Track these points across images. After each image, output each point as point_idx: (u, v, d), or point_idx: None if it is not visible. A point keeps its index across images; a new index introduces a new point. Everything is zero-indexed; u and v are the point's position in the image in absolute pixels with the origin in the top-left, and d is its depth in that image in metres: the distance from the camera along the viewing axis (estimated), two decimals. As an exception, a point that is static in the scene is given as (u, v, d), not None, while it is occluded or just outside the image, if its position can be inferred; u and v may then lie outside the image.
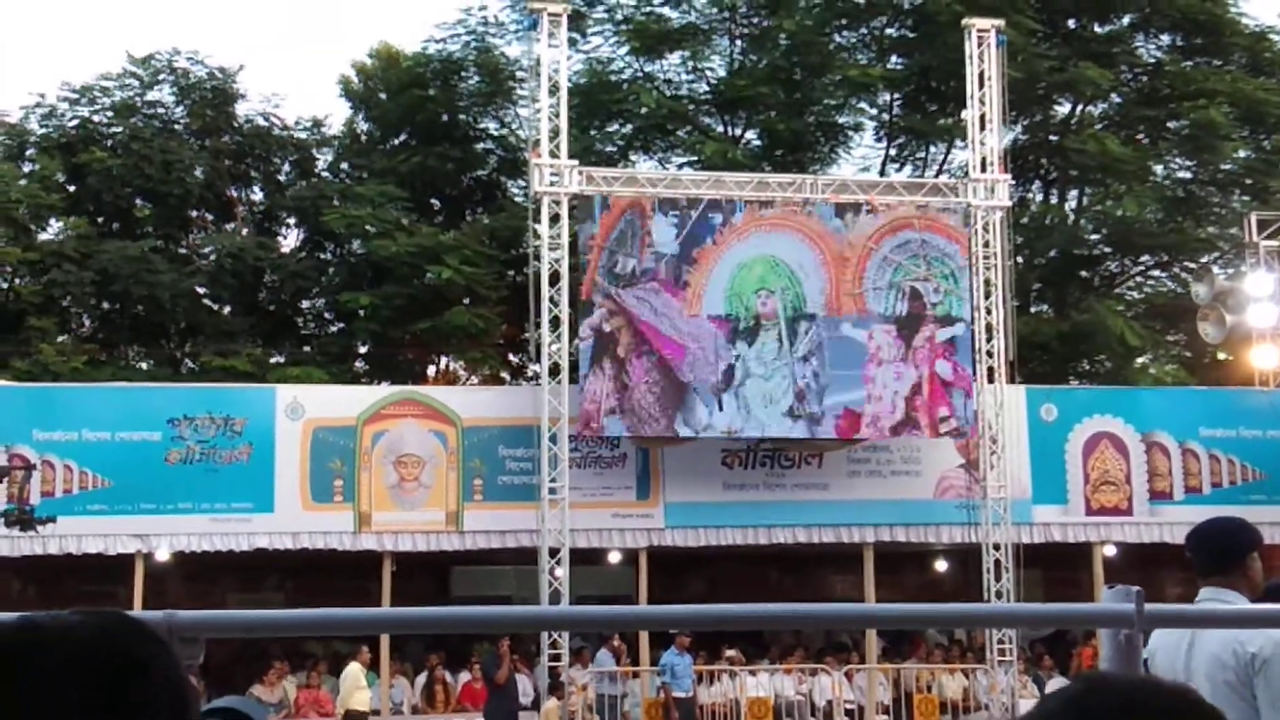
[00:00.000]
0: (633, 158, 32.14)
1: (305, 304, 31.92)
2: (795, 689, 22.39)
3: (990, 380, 22.71)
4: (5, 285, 29.42)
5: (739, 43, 32.61)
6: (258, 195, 33.32)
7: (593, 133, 30.85)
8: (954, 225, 22.55)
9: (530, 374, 26.84)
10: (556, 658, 21.09)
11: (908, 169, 33.52)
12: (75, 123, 30.99)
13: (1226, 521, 4.89)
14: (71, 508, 20.75)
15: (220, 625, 2.92)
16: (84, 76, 38.24)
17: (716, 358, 21.73)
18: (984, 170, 22.98)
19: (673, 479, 22.60)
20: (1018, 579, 22.09)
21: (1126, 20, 32.46)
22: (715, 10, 31.84)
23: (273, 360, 29.84)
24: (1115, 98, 32.32)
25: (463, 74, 31.98)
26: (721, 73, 32.57)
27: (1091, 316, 29.31)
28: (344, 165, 33.19)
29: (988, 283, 22.76)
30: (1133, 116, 32.27)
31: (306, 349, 31.03)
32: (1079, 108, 32.60)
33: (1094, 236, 32.84)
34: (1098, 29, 32.44)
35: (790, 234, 22.12)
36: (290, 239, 32.76)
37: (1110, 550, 23.65)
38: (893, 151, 33.62)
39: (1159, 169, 32.73)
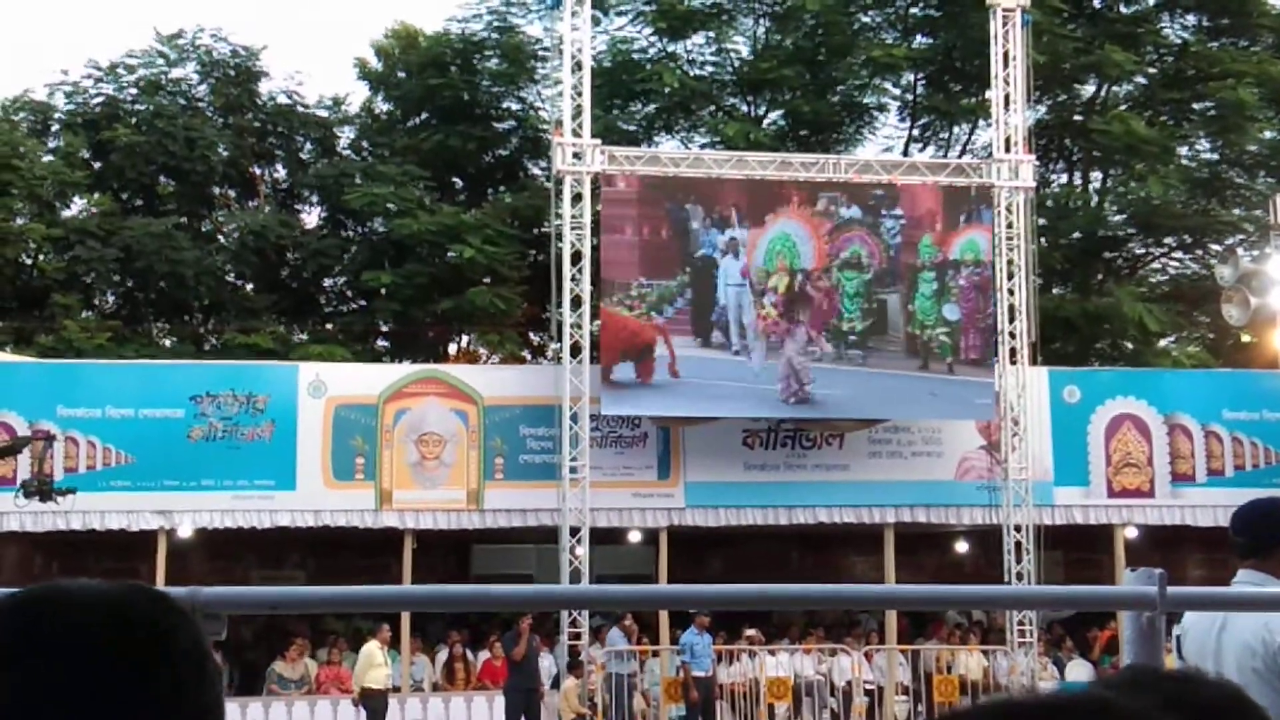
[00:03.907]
0: (655, 138, 32.10)
1: (327, 282, 32.00)
2: (815, 669, 22.40)
3: (1013, 362, 22.65)
4: (29, 262, 29.52)
5: (763, 23, 32.50)
6: (280, 173, 33.40)
7: (615, 112, 30.77)
8: None
9: (551, 353, 26.84)
10: (577, 636, 21.13)
11: (931, 149, 33.43)
12: (100, 100, 31.07)
13: (1272, 503, 4.66)
14: (94, 484, 20.87)
15: (244, 602, 2.94)
16: (110, 53, 38.34)
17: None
18: (1008, 151, 22.87)
19: (693, 459, 22.60)
20: (1039, 561, 22.05)
21: (1152, 0, 32.28)
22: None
23: (295, 338, 29.93)
24: (1140, 79, 32.16)
25: (484, 53, 31.94)
26: (745, 53, 32.47)
27: (1112, 301, 29.21)
28: (365, 144, 33.22)
29: (1010, 263, 22.67)
30: (1158, 98, 32.10)
31: (329, 327, 31.12)
32: (1104, 88, 32.43)
33: (1118, 218, 32.70)
34: (1123, 9, 32.24)
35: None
36: (312, 217, 32.87)
37: (1132, 532, 23.60)
38: (916, 132, 33.52)
39: (1183, 150, 32.58)
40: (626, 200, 21.87)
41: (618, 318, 21.60)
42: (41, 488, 17.96)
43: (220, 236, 31.35)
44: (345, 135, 33.72)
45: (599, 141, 22.07)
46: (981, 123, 30.23)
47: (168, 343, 30.02)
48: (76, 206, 30.51)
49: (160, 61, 31.44)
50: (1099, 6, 32.30)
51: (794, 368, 21.72)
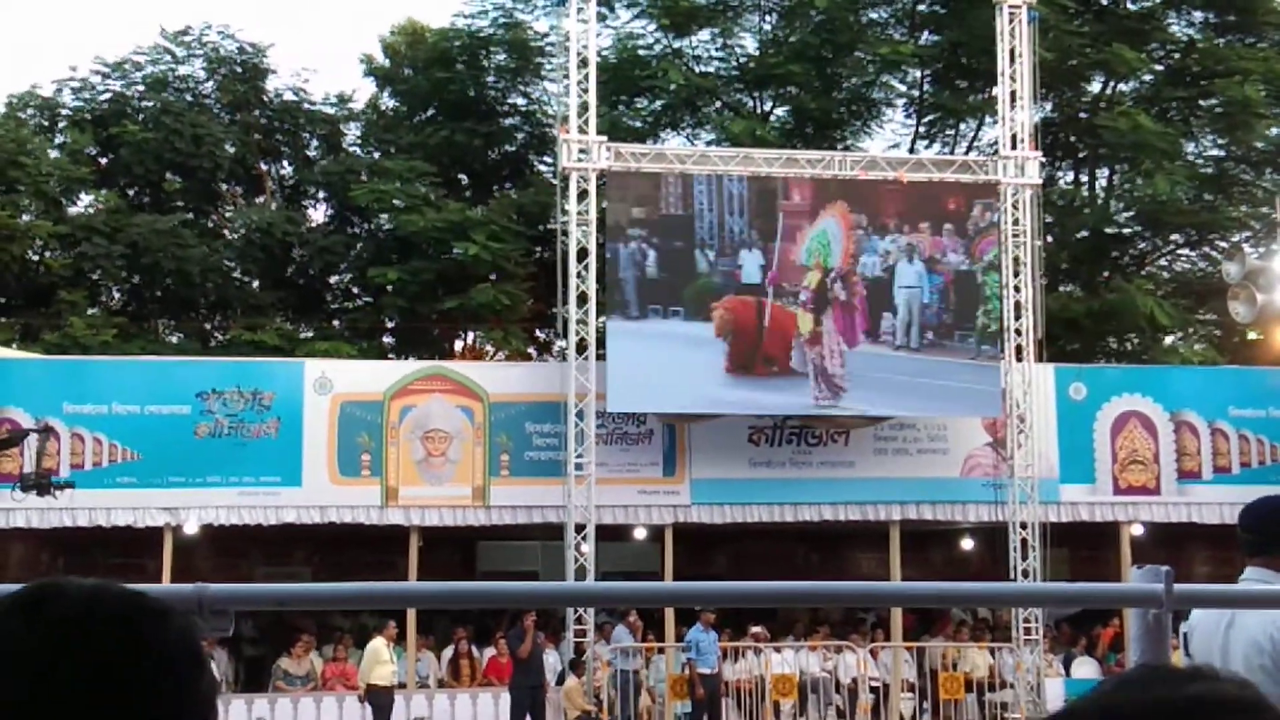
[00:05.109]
0: (661, 134, 32.09)
1: (333, 279, 32.02)
2: (820, 666, 22.40)
3: (1019, 359, 22.63)
4: (36, 258, 29.56)
5: (769, 19, 32.48)
6: (286, 170, 33.43)
7: (621, 109, 30.77)
8: None
9: (557, 350, 26.84)
10: (582, 633, 21.14)
11: (937, 146, 33.39)
12: (107, 96, 31.12)
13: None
14: (100, 480, 20.92)
15: (250, 599, 2.94)
16: (117, 50, 38.41)
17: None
18: (1014, 147, 22.86)
19: (699, 456, 22.60)
20: (1044, 558, 22.03)
21: (1159, -4, 32.28)
22: (745, -14, 31.74)
23: (301, 335, 29.95)
24: (1147, 76, 32.12)
25: (490, 49, 31.95)
26: (752, 49, 32.45)
27: (1121, 296, 29.17)
28: (371, 140, 33.25)
29: (1017, 260, 22.64)
30: (1165, 95, 32.05)
31: (335, 323, 31.14)
32: (1111, 85, 32.39)
33: (1124, 215, 32.66)
34: (1130, 6, 32.21)
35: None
36: (318, 213, 32.91)
37: (1138, 530, 23.57)
38: (922, 129, 33.49)
39: (1190, 147, 32.53)
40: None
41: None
42: (39, 481, 17.98)
43: (226, 233, 31.37)
44: (351, 132, 33.77)
45: (605, 138, 22.07)
46: (988, 119, 30.20)
47: (174, 339, 30.05)
48: (83, 203, 30.58)
49: (167, 58, 31.48)
50: (1106, 3, 32.24)
51: (828, 371, 21.84)
